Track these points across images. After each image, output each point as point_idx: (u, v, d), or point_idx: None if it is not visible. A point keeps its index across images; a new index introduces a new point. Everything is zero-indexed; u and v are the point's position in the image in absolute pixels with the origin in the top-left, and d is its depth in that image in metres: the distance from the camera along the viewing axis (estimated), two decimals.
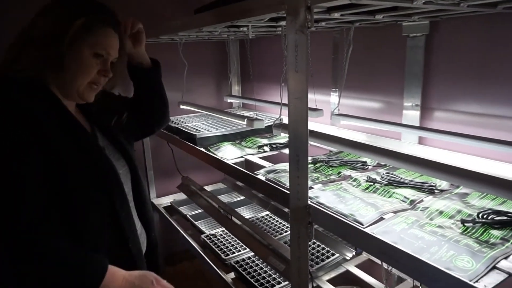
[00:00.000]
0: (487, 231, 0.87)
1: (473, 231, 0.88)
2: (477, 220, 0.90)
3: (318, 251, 1.56)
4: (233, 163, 1.44)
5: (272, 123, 1.37)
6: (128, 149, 1.06)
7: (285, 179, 1.19)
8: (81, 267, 0.81)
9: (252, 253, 1.65)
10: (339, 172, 1.30)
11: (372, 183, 1.17)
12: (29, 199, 0.76)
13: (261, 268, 1.56)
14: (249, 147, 1.68)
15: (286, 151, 1.60)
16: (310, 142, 0.90)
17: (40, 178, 0.78)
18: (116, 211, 0.90)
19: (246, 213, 2.05)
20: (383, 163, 1.34)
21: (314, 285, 1.40)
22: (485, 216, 0.91)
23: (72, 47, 0.85)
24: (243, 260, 1.63)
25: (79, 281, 0.80)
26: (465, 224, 0.90)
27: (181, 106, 2.19)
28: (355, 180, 1.22)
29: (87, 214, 0.86)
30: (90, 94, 0.93)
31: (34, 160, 0.78)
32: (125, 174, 1.02)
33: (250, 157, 1.57)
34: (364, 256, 1.60)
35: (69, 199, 0.83)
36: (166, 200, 2.32)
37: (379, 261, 1.48)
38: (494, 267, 0.74)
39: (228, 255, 1.66)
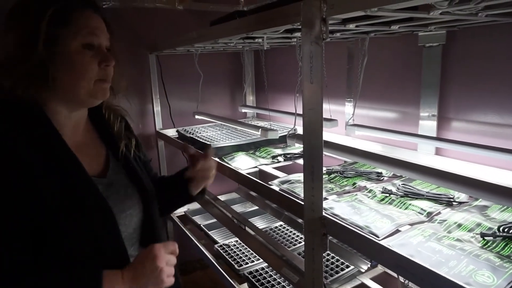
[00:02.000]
0: (508, 246, 0.84)
1: (494, 245, 0.85)
2: (498, 233, 0.88)
3: (332, 263, 1.54)
4: (247, 173, 1.44)
5: (286, 133, 1.37)
6: (145, 184, 0.92)
7: (299, 190, 1.19)
8: None
9: (266, 264, 1.64)
10: (354, 183, 1.29)
11: (387, 195, 1.15)
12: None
13: (275, 280, 1.55)
14: (263, 157, 1.68)
15: (300, 161, 1.59)
16: (324, 153, 0.89)
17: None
18: (105, 260, 0.77)
19: (259, 223, 2.04)
20: (399, 174, 1.32)
21: None
22: (506, 230, 0.88)
23: (53, 48, 0.72)
24: (257, 271, 1.62)
25: None
26: (485, 237, 0.87)
27: (196, 116, 2.22)
28: (370, 191, 1.20)
29: (69, 260, 0.73)
30: (104, 91, 0.81)
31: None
32: (135, 214, 0.87)
33: (264, 167, 1.57)
34: (380, 268, 1.57)
35: (47, 242, 0.71)
36: (180, 210, 2.33)
37: (395, 274, 1.45)
38: None
39: (241, 265, 1.66)
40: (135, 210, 0.87)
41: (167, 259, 0.78)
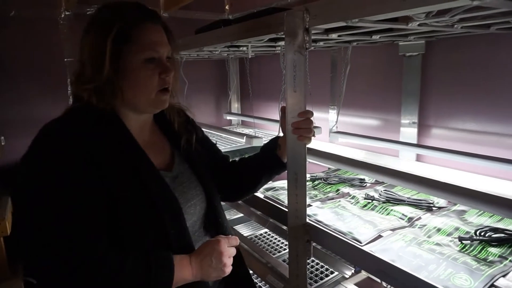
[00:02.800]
0: (485, 249, 0.87)
1: (471, 248, 0.88)
2: (475, 237, 0.90)
3: (317, 269, 1.55)
4: None
5: None
6: (206, 176, 0.97)
7: (284, 197, 1.20)
8: (147, 274, 0.75)
9: (251, 271, 1.63)
10: (338, 190, 1.31)
11: (370, 201, 1.17)
12: (86, 219, 0.73)
13: (260, 287, 1.55)
14: None
15: None
16: (308, 160, 0.91)
17: (94, 205, 0.74)
18: (170, 244, 0.81)
19: (244, 230, 2.03)
20: (381, 181, 1.34)
21: None
22: (482, 234, 0.91)
23: (117, 64, 0.78)
24: None
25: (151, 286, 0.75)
26: (463, 241, 0.90)
27: None
28: (353, 197, 1.22)
29: (137, 243, 0.79)
30: (164, 100, 0.86)
31: (88, 186, 0.74)
32: (199, 204, 0.93)
33: None
34: (364, 274, 1.59)
35: (120, 226, 0.77)
36: None
37: (378, 280, 1.47)
38: (492, 285, 0.74)
39: None
40: (198, 200, 0.93)
41: (229, 253, 0.86)
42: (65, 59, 1.89)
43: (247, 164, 1.08)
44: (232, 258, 0.87)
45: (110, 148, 0.79)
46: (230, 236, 0.90)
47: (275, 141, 1.04)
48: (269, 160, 1.04)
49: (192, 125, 1.03)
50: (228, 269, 0.86)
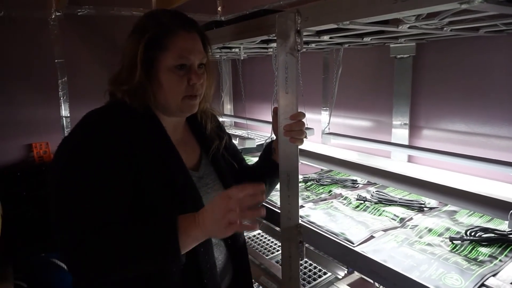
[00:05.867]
0: (475, 249, 0.88)
1: (462, 248, 0.89)
2: (465, 237, 0.91)
3: (310, 270, 1.55)
4: None
5: (263, 142, 1.38)
6: (229, 182, 0.98)
7: (276, 198, 1.20)
8: (150, 230, 0.75)
9: None
10: (330, 191, 1.31)
11: (362, 202, 1.18)
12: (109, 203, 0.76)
13: None
14: None
15: None
16: (301, 161, 0.91)
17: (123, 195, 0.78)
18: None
19: None
20: (373, 182, 1.35)
21: None
22: (473, 234, 0.92)
23: (149, 70, 0.83)
24: None
25: (154, 253, 0.75)
26: (454, 241, 0.91)
27: None
28: (345, 198, 1.23)
29: None
30: (191, 106, 0.88)
31: (119, 173, 0.77)
32: None
33: None
34: (356, 275, 1.59)
35: (143, 218, 0.80)
36: None
37: (371, 280, 1.47)
38: (483, 285, 0.75)
39: None
40: None
41: (235, 205, 0.73)
42: (56, 60, 1.87)
43: (249, 174, 1.08)
44: (244, 212, 0.74)
45: (144, 141, 0.82)
46: (241, 186, 0.75)
47: (270, 146, 1.05)
48: (267, 165, 1.04)
49: (223, 132, 1.07)
50: (231, 228, 0.74)
